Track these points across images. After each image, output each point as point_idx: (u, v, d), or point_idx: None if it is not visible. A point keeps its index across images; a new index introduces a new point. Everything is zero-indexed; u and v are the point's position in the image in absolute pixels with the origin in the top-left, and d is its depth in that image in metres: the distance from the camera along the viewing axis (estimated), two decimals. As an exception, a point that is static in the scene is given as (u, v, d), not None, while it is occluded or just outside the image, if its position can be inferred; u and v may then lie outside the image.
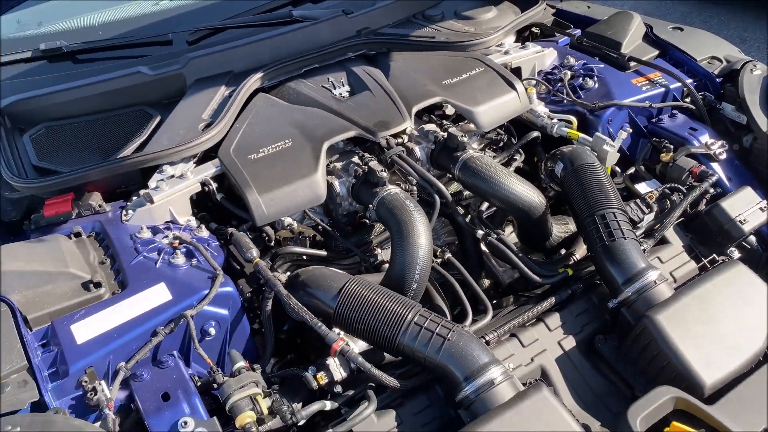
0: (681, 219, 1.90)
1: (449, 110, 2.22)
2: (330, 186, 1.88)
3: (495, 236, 1.84)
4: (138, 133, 2.00)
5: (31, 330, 1.47)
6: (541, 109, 2.17)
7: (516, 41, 2.57)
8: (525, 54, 2.31)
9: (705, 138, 2.06)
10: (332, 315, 1.54)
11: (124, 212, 1.78)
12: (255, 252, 1.69)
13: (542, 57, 2.33)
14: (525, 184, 1.85)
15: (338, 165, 1.94)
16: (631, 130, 2.11)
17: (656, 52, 2.33)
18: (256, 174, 1.80)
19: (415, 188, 1.91)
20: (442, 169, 2.00)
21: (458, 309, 1.77)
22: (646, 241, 1.81)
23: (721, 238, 1.84)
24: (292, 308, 1.54)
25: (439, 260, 1.83)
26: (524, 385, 1.46)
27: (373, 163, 1.83)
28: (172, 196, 1.79)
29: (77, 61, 2.29)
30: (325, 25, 2.39)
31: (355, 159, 1.92)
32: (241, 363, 1.46)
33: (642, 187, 1.99)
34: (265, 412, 1.39)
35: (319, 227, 1.88)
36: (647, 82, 2.20)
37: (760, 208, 1.84)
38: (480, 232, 1.86)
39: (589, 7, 2.70)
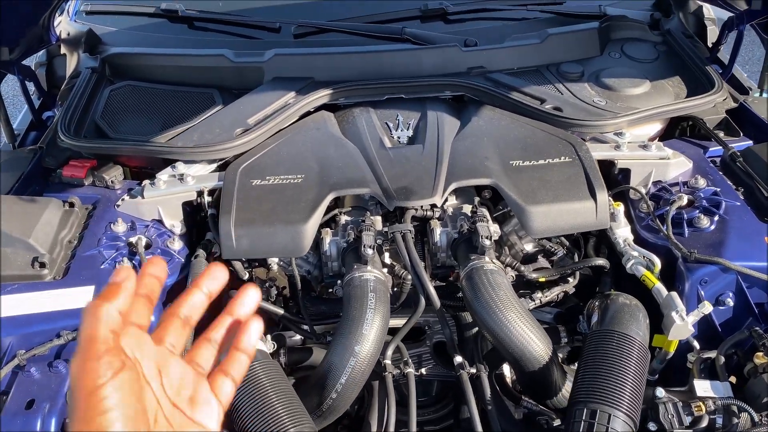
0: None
1: None
2: (320, 240, 1.66)
3: (471, 371, 1.48)
4: (192, 118, 1.97)
5: None
6: (623, 232, 1.66)
7: (667, 133, 2.03)
8: (641, 155, 1.78)
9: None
10: None
11: (123, 197, 1.76)
12: None
13: (665, 165, 1.77)
14: (528, 327, 1.43)
15: (344, 219, 1.71)
16: (732, 304, 1.55)
17: (836, 209, 1.66)
18: (246, 202, 1.65)
19: (409, 279, 1.61)
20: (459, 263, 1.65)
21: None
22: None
23: None
24: None
25: (394, 373, 1.51)
26: None
27: (367, 235, 1.56)
28: (163, 197, 1.72)
29: (192, 27, 2.33)
30: (433, 53, 2.10)
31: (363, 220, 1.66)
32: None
33: (702, 386, 1.44)
34: None
35: (294, 280, 1.68)
36: (791, 247, 1.57)
37: None
38: (458, 359, 1.51)
39: (789, 113, 2.01)
